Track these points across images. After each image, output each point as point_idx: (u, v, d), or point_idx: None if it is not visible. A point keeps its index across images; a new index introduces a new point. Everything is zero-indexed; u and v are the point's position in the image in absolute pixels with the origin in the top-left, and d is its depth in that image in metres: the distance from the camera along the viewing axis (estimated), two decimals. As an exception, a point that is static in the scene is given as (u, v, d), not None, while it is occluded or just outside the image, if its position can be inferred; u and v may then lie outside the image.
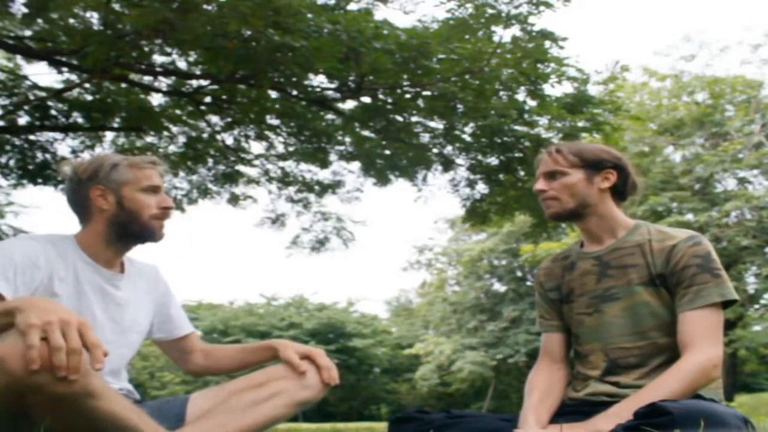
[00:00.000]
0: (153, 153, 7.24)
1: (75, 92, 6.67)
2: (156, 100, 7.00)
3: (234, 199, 8.01)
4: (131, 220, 1.79)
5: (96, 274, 1.79)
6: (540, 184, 1.83)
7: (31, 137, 7.11)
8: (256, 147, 7.58)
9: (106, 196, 1.79)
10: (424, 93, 5.84)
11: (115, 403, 1.48)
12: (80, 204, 1.82)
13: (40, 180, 7.29)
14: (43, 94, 6.63)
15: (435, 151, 6.82)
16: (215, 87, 6.22)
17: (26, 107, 6.71)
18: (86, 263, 1.78)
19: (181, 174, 7.65)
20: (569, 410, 1.73)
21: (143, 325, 1.91)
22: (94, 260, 1.79)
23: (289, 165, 7.78)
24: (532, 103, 6.11)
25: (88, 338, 1.37)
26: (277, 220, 8.30)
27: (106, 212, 1.79)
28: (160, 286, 1.99)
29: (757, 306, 17.86)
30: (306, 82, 5.88)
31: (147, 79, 6.58)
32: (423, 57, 5.26)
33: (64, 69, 6.22)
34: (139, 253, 1.94)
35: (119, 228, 1.79)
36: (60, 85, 6.61)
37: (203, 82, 6.30)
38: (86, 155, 7.39)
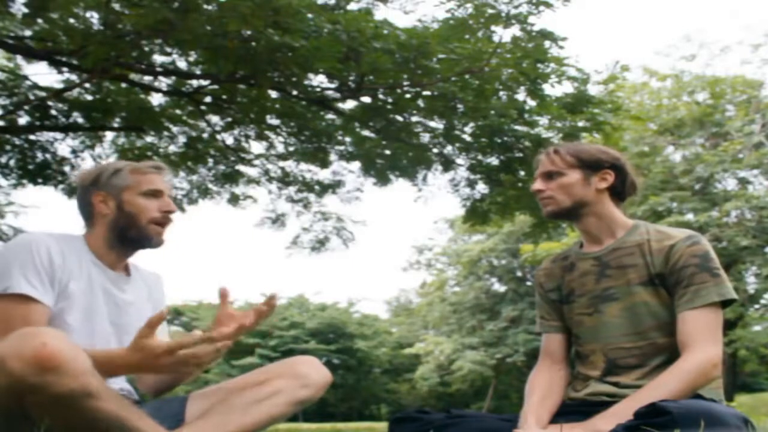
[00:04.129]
0: (153, 153, 7.25)
1: (75, 92, 6.68)
2: (156, 100, 7.01)
3: (234, 199, 8.02)
4: (130, 225, 1.81)
5: (103, 275, 1.82)
6: (537, 184, 1.85)
7: (31, 137, 7.12)
8: (256, 147, 7.59)
9: (107, 201, 1.83)
10: (424, 93, 5.84)
11: (114, 403, 1.49)
12: (84, 209, 1.87)
13: (40, 180, 7.30)
14: (43, 94, 6.64)
15: (435, 151, 6.82)
16: (215, 87, 6.23)
17: (26, 107, 6.72)
18: (94, 264, 1.81)
19: (181, 174, 7.65)
20: (569, 410, 1.73)
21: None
22: (101, 261, 1.83)
23: (289, 165, 7.79)
24: (532, 103, 6.10)
25: None
26: (277, 220, 8.30)
27: (107, 217, 1.83)
28: (156, 296, 2.00)
29: (757, 306, 17.85)
30: (306, 82, 5.88)
31: (147, 79, 6.58)
32: (423, 57, 5.26)
33: (64, 69, 6.22)
34: (144, 257, 1.95)
35: (119, 232, 1.82)
36: (60, 85, 6.61)
37: (203, 82, 6.30)
38: (86, 156, 7.41)
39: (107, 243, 1.83)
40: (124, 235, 1.82)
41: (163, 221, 1.85)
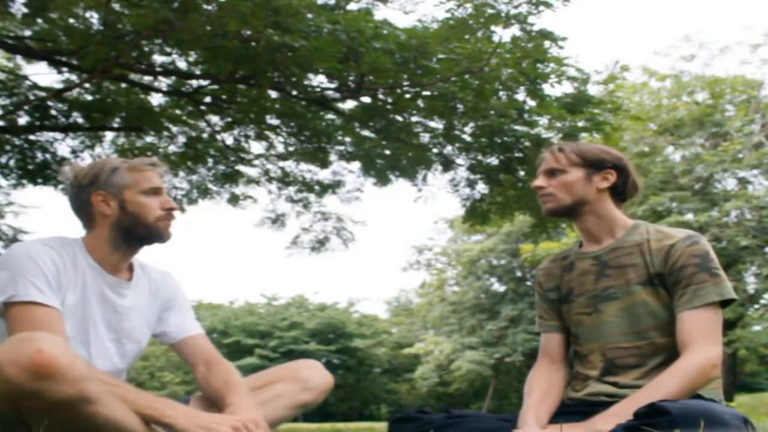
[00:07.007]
0: (153, 153, 7.25)
1: (75, 92, 6.67)
2: (156, 100, 7.01)
3: (234, 199, 8.02)
4: (136, 224, 1.77)
5: (101, 280, 1.76)
6: (539, 181, 1.84)
7: (31, 137, 7.12)
8: (256, 147, 7.59)
9: (108, 201, 1.77)
10: (424, 93, 5.84)
11: (113, 408, 1.47)
12: (83, 210, 1.81)
13: (40, 180, 7.30)
14: (43, 94, 6.64)
15: (435, 151, 6.82)
16: (215, 87, 6.23)
17: (26, 107, 6.72)
18: (92, 268, 1.76)
19: (181, 174, 7.65)
20: (569, 410, 1.73)
21: (143, 335, 1.87)
22: (100, 265, 1.77)
23: (289, 165, 7.79)
24: (531, 103, 6.11)
25: None
26: (277, 220, 8.30)
27: (109, 217, 1.77)
28: (164, 294, 1.93)
29: (757, 306, 17.82)
30: (306, 82, 5.88)
31: (147, 79, 6.58)
32: (423, 57, 5.26)
33: (64, 69, 6.22)
34: (146, 255, 1.92)
35: (124, 232, 1.78)
36: (60, 85, 6.61)
37: (203, 82, 6.30)
38: (86, 156, 7.41)
39: (111, 244, 1.78)
40: (130, 233, 1.78)
41: (168, 218, 1.81)
